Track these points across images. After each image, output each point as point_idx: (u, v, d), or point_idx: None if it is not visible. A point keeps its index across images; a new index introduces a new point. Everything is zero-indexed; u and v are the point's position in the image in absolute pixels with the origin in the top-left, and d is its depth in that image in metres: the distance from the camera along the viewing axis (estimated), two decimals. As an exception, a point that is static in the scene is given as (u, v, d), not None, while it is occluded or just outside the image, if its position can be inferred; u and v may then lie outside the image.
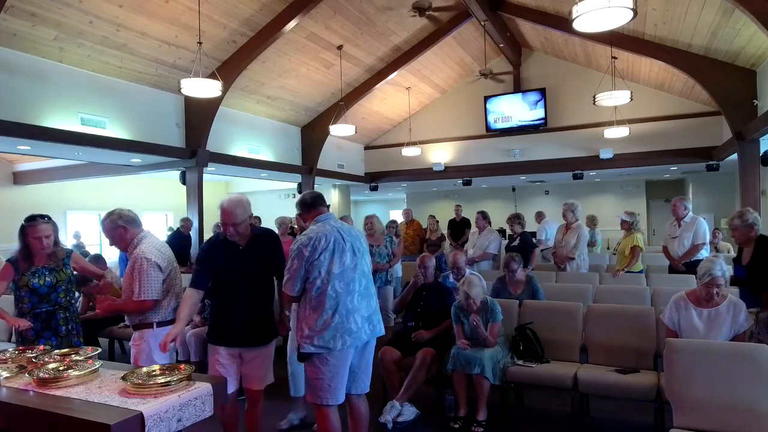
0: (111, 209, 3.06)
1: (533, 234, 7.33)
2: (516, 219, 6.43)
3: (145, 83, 7.44)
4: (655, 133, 10.13)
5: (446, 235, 9.12)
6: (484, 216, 6.82)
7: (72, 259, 3.50)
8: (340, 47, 8.56)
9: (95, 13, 5.86)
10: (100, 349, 2.69)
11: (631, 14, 4.01)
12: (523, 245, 6.14)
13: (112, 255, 9.31)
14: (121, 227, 3.00)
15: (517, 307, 4.27)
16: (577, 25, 4.22)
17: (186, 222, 8.30)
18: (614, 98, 7.86)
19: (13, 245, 3.49)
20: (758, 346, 2.66)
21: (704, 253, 5.38)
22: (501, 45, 10.22)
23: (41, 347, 2.79)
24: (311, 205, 2.93)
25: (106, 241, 3.27)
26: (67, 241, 9.97)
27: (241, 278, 2.95)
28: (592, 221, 8.47)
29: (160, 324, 2.98)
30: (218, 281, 2.98)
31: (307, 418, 3.76)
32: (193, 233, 8.21)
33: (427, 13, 8.38)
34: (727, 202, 12.03)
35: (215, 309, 3.06)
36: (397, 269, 7.47)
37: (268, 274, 3.08)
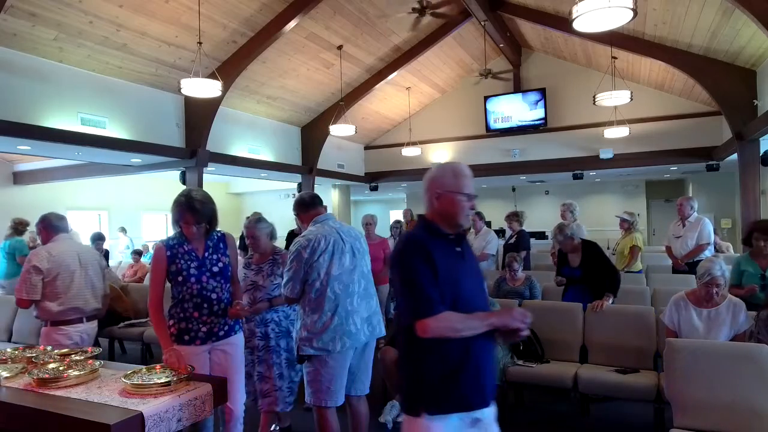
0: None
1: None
2: (515, 216, 6.44)
3: (145, 83, 7.44)
4: (655, 133, 10.13)
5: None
6: (480, 217, 6.82)
7: None
8: (340, 47, 8.56)
9: (95, 13, 5.86)
10: (100, 349, 2.70)
11: (631, 14, 4.01)
12: (518, 243, 6.16)
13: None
14: (42, 229, 3.41)
15: (517, 307, 4.27)
16: (577, 25, 4.23)
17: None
18: (614, 98, 7.86)
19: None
20: (758, 346, 2.66)
21: (707, 253, 5.38)
22: (501, 45, 10.22)
23: (41, 347, 2.80)
24: (310, 205, 2.92)
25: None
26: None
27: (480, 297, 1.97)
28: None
29: (54, 323, 3.28)
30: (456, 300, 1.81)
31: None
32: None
33: (427, 13, 8.38)
34: (727, 202, 12.03)
35: (448, 357, 1.79)
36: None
37: None
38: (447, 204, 1.88)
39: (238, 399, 2.80)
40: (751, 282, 3.67)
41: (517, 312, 1.80)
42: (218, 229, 2.81)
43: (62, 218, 3.50)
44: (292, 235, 7.13)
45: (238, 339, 2.82)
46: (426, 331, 1.73)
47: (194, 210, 2.62)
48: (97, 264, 3.56)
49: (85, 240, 7.32)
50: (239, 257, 3.10)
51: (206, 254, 2.71)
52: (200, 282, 2.66)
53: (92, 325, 3.52)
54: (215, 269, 2.71)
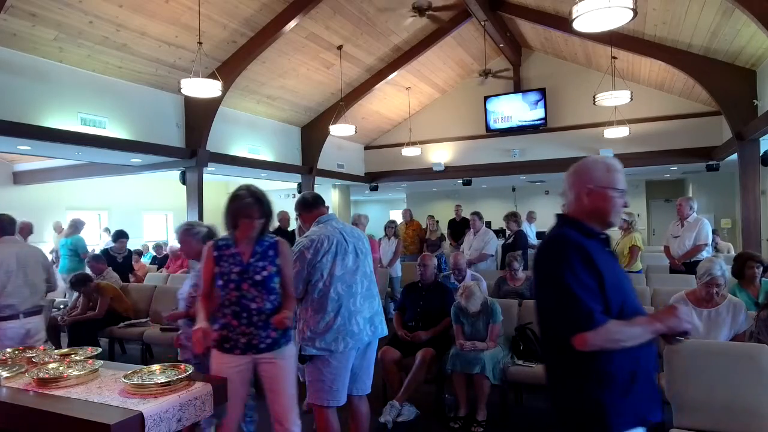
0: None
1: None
2: (512, 217, 6.45)
3: (145, 83, 7.44)
4: (655, 133, 10.13)
5: (446, 235, 9.11)
6: (480, 217, 6.82)
7: None
8: (340, 47, 8.56)
9: (95, 13, 5.86)
10: (100, 349, 2.70)
11: (631, 14, 4.02)
12: (515, 244, 6.17)
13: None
14: None
15: (517, 307, 4.27)
16: (577, 25, 4.23)
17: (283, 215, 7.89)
18: (614, 98, 7.86)
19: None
20: (758, 346, 2.66)
21: (705, 254, 5.38)
22: (501, 45, 10.22)
23: (41, 347, 2.80)
24: (312, 205, 2.92)
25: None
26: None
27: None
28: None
29: None
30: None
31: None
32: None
33: (427, 13, 8.38)
34: (727, 202, 12.03)
35: (617, 370, 1.62)
36: (397, 269, 7.46)
37: None
38: (599, 200, 1.70)
39: (292, 416, 2.53)
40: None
41: (682, 312, 1.64)
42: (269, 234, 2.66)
43: (13, 222, 3.86)
44: (292, 236, 7.13)
45: (287, 351, 2.58)
46: (585, 345, 1.55)
47: (261, 202, 2.49)
48: (38, 264, 3.87)
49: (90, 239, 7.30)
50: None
51: (252, 260, 2.52)
52: (240, 289, 2.48)
53: (34, 320, 3.80)
54: (258, 278, 2.49)
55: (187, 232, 3.14)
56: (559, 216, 1.79)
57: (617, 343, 1.56)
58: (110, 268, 6.10)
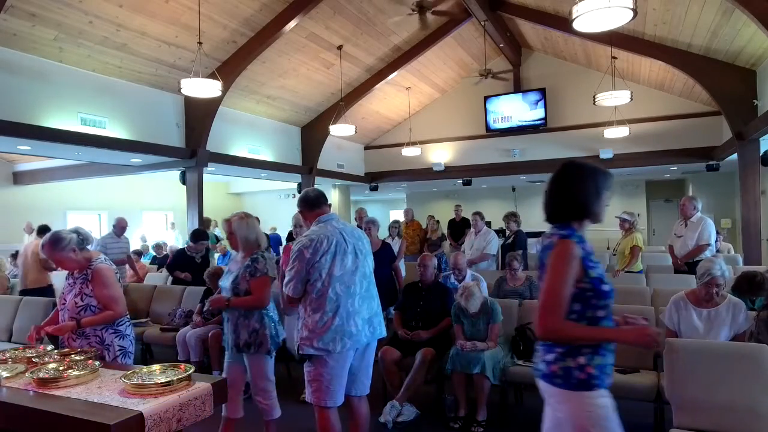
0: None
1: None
2: (512, 217, 6.45)
3: (145, 83, 7.44)
4: (655, 133, 10.13)
5: (446, 235, 9.11)
6: (481, 217, 6.82)
7: None
8: (340, 47, 8.56)
9: (95, 13, 5.86)
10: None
11: (631, 14, 4.02)
12: (515, 244, 6.17)
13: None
14: None
15: (517, 307, 4.27)
16: (577, 25, 4.23)
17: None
18: (614, 98, 7.87)
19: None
20: (758, 346, 2.66)
21: (707, 254, 5.36)
22: (501, 45, 10.23)
23: (41, 347, 2.80)
24: (314, 204, 2.91)
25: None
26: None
27: None
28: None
29: None
30: None
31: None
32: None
33: (427, 12, 8.39)
34: (727, 202, 12.03)
35: None
36: (401, 269, 7.46)
37: None
38: None
39: None
40: None
41: None
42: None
43: None
44: (291, 237, 7.12)
45: None
46: None
47: None
48: None
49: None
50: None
51: None
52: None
53: None
54: None
55: (54, 248, 2.73)
56: None
57: None
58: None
